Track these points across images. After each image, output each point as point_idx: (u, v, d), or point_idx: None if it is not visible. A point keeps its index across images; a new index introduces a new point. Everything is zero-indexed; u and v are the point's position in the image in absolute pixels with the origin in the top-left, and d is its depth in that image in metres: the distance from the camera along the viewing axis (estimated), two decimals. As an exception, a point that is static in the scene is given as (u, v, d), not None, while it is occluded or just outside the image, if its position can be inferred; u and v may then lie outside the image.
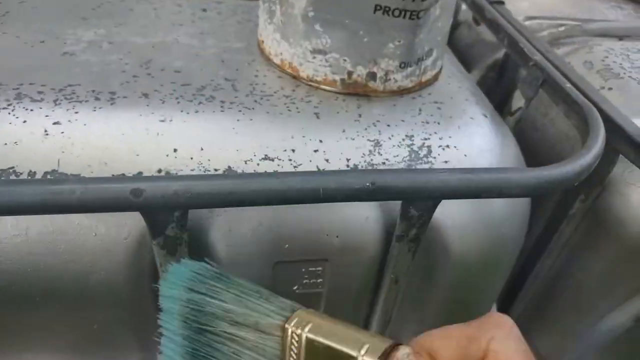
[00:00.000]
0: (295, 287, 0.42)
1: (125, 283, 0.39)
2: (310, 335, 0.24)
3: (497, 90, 0.70)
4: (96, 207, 0.29)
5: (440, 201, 0.36)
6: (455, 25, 0.88)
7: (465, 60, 0.77)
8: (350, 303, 0.45)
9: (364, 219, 0.40)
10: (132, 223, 0.37)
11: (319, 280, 0.42)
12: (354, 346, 0.23)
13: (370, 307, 0.46)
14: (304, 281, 0.42)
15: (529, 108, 0.65)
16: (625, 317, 0.54)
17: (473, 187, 0.34)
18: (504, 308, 0.69)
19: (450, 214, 0.42)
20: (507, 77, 0.68)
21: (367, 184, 0.32)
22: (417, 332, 0.50)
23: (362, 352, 0.23)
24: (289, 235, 0.39)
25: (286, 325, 0.25)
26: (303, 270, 0.41)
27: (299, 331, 0.24)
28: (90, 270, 0.38)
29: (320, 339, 0.24)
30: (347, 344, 0.24)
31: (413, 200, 0.35)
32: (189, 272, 0.28)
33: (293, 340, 0.25)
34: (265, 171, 0.38)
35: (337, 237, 0.40)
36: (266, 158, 0.39)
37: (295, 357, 0.25)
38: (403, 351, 0.23)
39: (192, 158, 0.38)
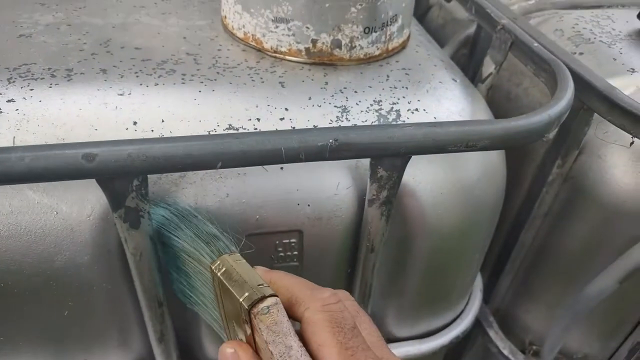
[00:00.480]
0: (270, 263, 0.41)
1: (92, 264, 0.37)
2: (221, 278, 0.31)
3: (470, 66, 0.70)
4: (48, 174, 0.28)
5: (409, 159, 0.35)
6: (427, 8, 0.88)
7: (438, 40, 0.76)
8: (329, 276, 0.44)
9: (335, 185, 0.39)
10: (94, 199, 0.36)
11: (294, 253, 0.41)
12: (240, 292, 0.29)
13: (349, 279, 0.45)
14: (279, 254, 0.41)
15: (501, 79, 0.64)
16: (610, 280, 0.54)
17: (440, 140, 0.33)
18: (491, 283, 0.68)
19: (424, 179, 0.41)
20: (478, 50, 0.68)
21: (331, 141, 0.32)
22: (400, 306, 0.49)
23: (242, 298, 0.29)
24: (259, 206, 0.38)
25: (212, 266, 0.32)
26: (277, 242, 0.40)
27: (216, 272, 0.31)
28: (55, 252, 0.36)
29: (225, 282, 0.30)
30: (238, 289, 0.30)
31: (380, 157, 0.35)
32: (161, 215, 0.36)
33: (215, 278, 0.32)
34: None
35: (309, 205, 0.39)
36: (230, 128, 0.38)
37: (218, 290, 0.32)
38: (266, 303, 0.28)
39: (152, 130, 0.37)
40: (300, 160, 0.32)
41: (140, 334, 0.44)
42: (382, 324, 0.51)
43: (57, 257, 0.37)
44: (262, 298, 0.29)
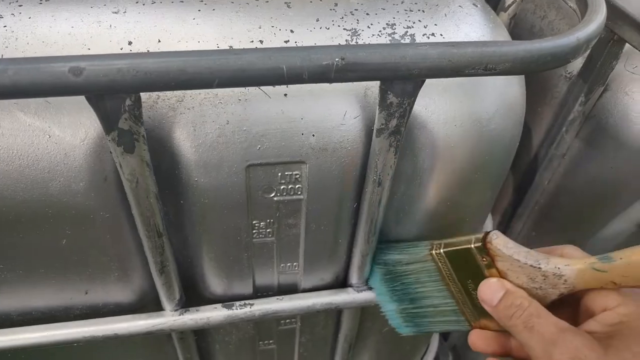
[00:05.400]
0: (272, 194, 0.40)
1: (88, 191, 0.36)
2: (445, 250, 0.40)
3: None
4: (33, 89, 0.26)
5: (421, 84, 0.33)
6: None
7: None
8: (335, 210, 0.42)
9: (342, 114, 0.37)
10: (88, 123, 0.34)
11: (297, 186, 0.40)
12: (467, 243, 0.39)
13: (355, 215, 0.43)
14: (281, 187, 0.39)
15: (525, 11, 0.60)
16: (628, 223, 0.52)
17: (456, 61, 0.30)
18: (502, 226, 0.67)
19: (436, 109, 0.39)
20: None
21: (337, 60, 0.29)
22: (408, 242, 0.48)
23: (472, 244, 0.38)
24: (260, 134, 0.36)
25: (431, 252, 0.41)
26: (279, 174, 0.39)
27: (438, 251, 0.40)
28: (49, 177, 0.35)
29: (450, 248, 0.40)
30: (464, 244, 0.39)
31: (391, 81, 0.32)
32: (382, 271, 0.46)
33: (438, 257, 0.41)
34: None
35: (314, 135, 0.37)
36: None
37: (443, 266, 0.41)
38: (492, 234, 0.38)
39: (148, 51, 0.35)
40: (304, 81, 0.29)
41: (142, 266, 0.43)
42: (389, 263, 0.50)
43: (52, 183, 0.35)
44: (487, 233, 0.38)
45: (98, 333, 0.45)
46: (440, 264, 0.41)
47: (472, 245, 0.38)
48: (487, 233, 0.38)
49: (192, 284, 0.47)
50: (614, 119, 0.50)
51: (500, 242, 0.37)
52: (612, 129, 0.50)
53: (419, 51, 0.30)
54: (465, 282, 0.40)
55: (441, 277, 0.41)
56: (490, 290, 0.37)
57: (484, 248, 0.37)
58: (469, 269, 0.39)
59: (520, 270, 0.36)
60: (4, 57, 0.34)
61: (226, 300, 0.48)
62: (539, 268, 0.35)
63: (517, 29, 0.58)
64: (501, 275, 0.38)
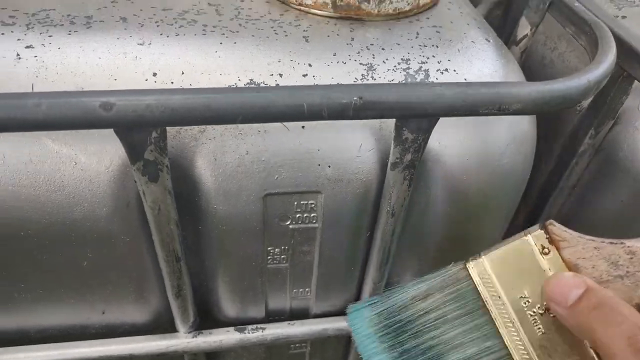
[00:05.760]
0: (288, 222, 0.41)
1: (111, 216, 0.37)
2: (487, 254, 0.31)
3: (504, 28, 0.67)
4: (64, 123, 0.28)
5: (436, 121, 0.34)
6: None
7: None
8: (348, 239, 0.43)
9: (357, 146, 0.38)
10: (113, 151, 0.35)
11: (312, 215, 0.41)
12: (520, 236, 0.30)
13: (368, 243, 0.44)
14: (297, 215, 0.40)
15: (536, 43, 0.61)
16: None
17: (470, 101, 0.31)
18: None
19: (450, 143, 0.40)
20: (514, 9, 0.64)
21: (355, 99, 0.30)
22: (419, 273, 0.49)
23: (528, 235, 0.30)
24: (278, 165, 0.37)
25: (466, 265, 0.31)
26: (295, 203, 0.40)
27: (478, 259, 0.31)
28: (74, 202, 0.36)
29: (495, 251, 0.30)
30: (516, 241, 0.30)
31: (406, 118, 0.33)
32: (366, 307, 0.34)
33: (478, 269, 0.31)
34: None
35: (329, 167, 0.38)
36: (251, 82, 0.37)
37: (485, 281, 0.30)
38: (549, 222, 0.30)
39: (172, 82, 0.36)
40: (323, 118, 0.31)
41: (158, 289, 0.44)
42: (399, 289, 0.51)
43: (76, 208, 0.36)
44: (542, 223, 0.31)
45: (113, 352, 0.45)
46: (480, 279, 0.30)
47: (529, 235, 0.30)
48: (542, 223, 0.31)
49: (207, 306, 0.48)
50: (624, 152, 0.50)
51: (562, 227, 0.30)
52: (622, 162, 0.51)
53: (435, 91, 0.31)
54: (518, 298, 0.29)
55: (481, 304, 0.30)
56: (563, 285, 0.27)
57: (546, 233, 0.29)
58: (523, 273, 0.29)
59: (597, 255, 0.28)
60: (34, 86, 0.35)
61: (238, 323, 0.48)
62: (622, 243, 0.28)
63: (528, 61, 0.60)
64: (570, 269, 0.29)
